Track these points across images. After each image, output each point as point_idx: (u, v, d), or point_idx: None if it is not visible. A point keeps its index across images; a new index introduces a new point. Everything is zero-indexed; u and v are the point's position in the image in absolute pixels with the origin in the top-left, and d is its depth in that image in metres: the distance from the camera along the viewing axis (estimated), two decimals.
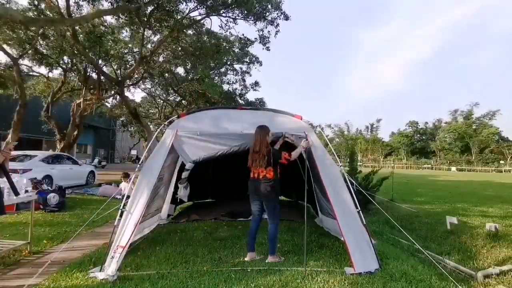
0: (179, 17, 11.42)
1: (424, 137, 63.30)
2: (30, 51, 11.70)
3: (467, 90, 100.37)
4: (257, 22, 12.14)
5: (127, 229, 3.25)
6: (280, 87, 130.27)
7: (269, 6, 11.53)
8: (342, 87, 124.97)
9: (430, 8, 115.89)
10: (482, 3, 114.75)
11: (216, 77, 16.95)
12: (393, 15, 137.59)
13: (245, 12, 11.32)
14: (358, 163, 9.25)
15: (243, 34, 14.67)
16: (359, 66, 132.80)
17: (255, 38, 13.70)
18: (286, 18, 12.14)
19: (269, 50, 13.48)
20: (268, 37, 12.98)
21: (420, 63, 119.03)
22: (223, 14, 12.13)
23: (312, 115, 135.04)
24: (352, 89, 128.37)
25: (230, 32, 13.42)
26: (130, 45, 14.56)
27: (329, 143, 4.88)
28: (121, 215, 3.36)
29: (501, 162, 46.38)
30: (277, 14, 11.99)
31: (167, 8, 9.50)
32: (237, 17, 12.22)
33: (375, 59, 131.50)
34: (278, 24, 12.29)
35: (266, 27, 12.48)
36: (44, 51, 12.16)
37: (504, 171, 41.36)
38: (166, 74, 16.79)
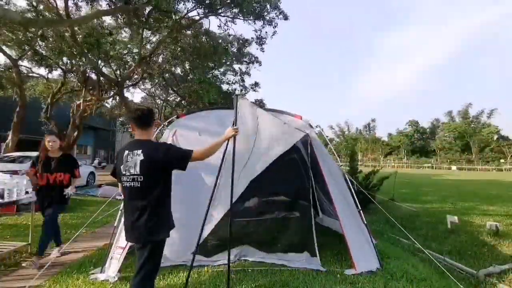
0: (177, 17, 11.41)
1: (424, 136, 63.36)
2: (30, 52, 11.69)
3: (468, 91, 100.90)
4: (256, 22, 12.09)
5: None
6: (284, 87, 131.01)
7: (268, 6, 11.48)
8: (349, 89, 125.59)
9: (438, 19, 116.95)
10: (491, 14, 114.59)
11: (215, 77, 16.90)
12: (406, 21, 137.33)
13: (244, 11, 11.28)
14: (359, 163, 9.24)
15: (241, 35, 14.64)
16: (364, 68, 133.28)
17: (251, 38, 13.59)
18: (285, 18, 12.04)
19: (263, 51, 13.41)
20: (265, 38, 12.94)
21: (420, 66, 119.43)
22: (222, 14, 12.09)
23: (316, 116, 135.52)
24: (356, 90, 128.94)
25: (228, 33, 13.41)
26: (129, 46, 14.55)
27: (329, 143, 4.89)
28: (121, 216, 3.36)
29: (501, 161, 46.33)
30: (276, 13, 11.91)
31: (165, 9, 9.48)
32: (235, 17, 12.18)
33: (375, 62, 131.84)
34: (276, 25, 12.24)
35: (264, 27, 12.39)
36: (44, 52, 12.16)
37: (505, 170, 41.33)
38: (167, 75, 16.79)
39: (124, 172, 2.03)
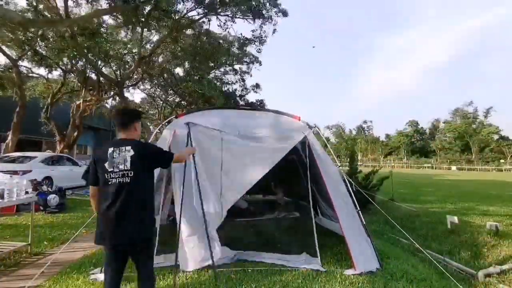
0: (177, 17, 11.40)
1: (424, 137, 63.44)
2: (30, 52, 11.69)
3: (468, 92, 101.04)
4: (255, 20, 12.10)
5: None
6: (284, 87, 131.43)
7: (267, 4, 11.52)
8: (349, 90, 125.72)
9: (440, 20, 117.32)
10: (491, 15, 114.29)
11: (215, 75, 16.90)
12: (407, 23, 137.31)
13: (243, 9, 11.29)
14: (359, 163, 9.25)
15: (241, 34, 14.67)
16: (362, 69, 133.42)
17: (252, 35, 13.62)
18: (285, 14, 12.08)
19: (259, 51, 13.65)
20: (264, 38, 12.99)
21: (420, 67, 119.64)
22: (221, 13, 12.10)
23: (316, 115, 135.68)
24: (356, 90, 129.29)
25: (228, 32, 13.43)
26: (129, 46, 14.55)
27: (327, 144, 4.85)
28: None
29: (501, 161, 46.33)
30: (275, 11, 11.95)
31: (164, 8, 9.46)
32: (235, 16, 12.18)
33: (369, 63, 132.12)
34: (276, 23, 12.29)
35: (263, 25, 12.43)
36: (44, 52, 12.16)
37: (505, 170, 41.32)
38: (165, 75, 16.78)
39: (110, 169, 1.96)
